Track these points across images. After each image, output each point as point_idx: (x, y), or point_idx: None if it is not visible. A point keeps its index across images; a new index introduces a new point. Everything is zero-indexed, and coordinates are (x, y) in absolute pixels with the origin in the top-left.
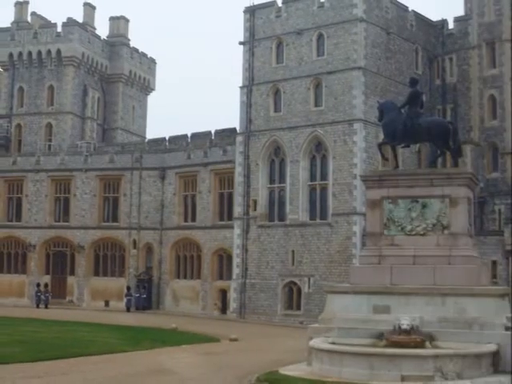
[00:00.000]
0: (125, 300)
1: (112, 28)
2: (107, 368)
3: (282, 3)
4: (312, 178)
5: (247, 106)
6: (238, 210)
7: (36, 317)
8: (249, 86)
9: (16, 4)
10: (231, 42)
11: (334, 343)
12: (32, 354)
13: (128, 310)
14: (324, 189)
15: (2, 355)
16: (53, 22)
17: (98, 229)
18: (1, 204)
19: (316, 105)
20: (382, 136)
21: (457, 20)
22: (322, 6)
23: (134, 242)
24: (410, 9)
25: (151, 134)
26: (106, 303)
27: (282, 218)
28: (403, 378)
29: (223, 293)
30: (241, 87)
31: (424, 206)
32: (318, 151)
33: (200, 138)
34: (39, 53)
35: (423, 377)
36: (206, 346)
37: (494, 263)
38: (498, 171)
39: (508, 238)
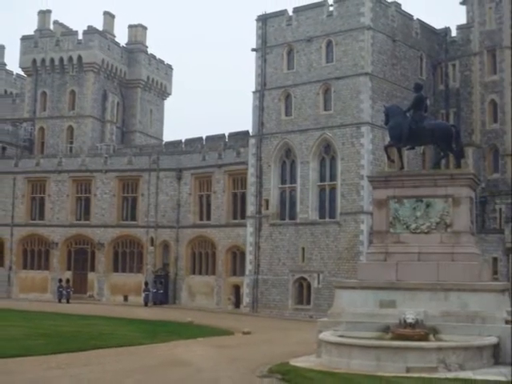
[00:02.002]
0: (143, 295)
1: (130, 35)
2: (126, 360)
3: (293, 12)
4: (321, 178)
5: (259, 109)
6: (250, 209)
7: (58, 311)
8: (261, 91)
9: (39, 13)
10: (244, 49)
11: (342, 336)
12: (54, 346)
13: (146, 304)
14: (333, 189)
15: (26, 347)
16: (74, 29)
17: (117, 227)
18: (25, 203)
19: (325, 109)
20: (388, 139)
21: (459, 28)
22: (330, 14)
23: (152, 239)
24: (414, 17)
25: (168, 136)
26: (125, 298)
27: (292, 216)
28: (408, 370)
29: (236, 288)
30: (253, 92)
31: (428, 206)
32: (327, 153)
33: (214, 140)
34: (61, 59)
35: (427, 368)
36: (220, 339)
37: (495, 260)
38: (499, 172)
39: (508, 236)
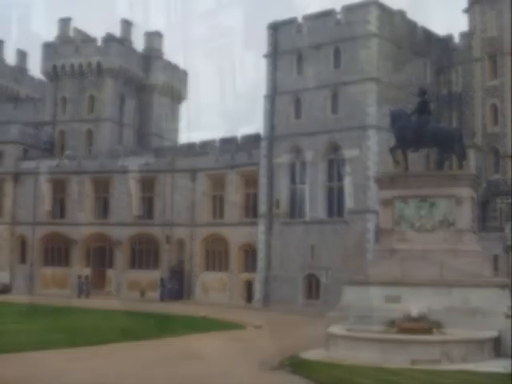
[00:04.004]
0: (159, 291)
1: (147, 42)
2: (143, 352)
3: (303, 20)
4: (330, 179)
5: (270, 113)
6: (262, 208)
7: (77, 306)
8: (272, 96)
9: (60, 20)
10: (255, 55)
11: (349, 330)
12: (74, 339)
13: (162, 299)
14: (340, 189)
15: (47, 341)
16: (93, 36)
17: (134, 225)
18: (46, 203)
19: (333, 112)
20: (393, 141)
21: (462, 35)
22: (338, 22)
23: (167, 237)
24: (419, 25)
25: (183, 139)
26: (142, 293)
27: (302, 215)
28: (413, 362)
29: (248, 284)
30: (265, 96)
31: (432, 205)
32: (335, 155)
33: (227, 142)
34: (80, 65)
35: (431, 360)
36: (232, 333)
37: (496, 257)
38: (499, 173)
39: (508, 234)
